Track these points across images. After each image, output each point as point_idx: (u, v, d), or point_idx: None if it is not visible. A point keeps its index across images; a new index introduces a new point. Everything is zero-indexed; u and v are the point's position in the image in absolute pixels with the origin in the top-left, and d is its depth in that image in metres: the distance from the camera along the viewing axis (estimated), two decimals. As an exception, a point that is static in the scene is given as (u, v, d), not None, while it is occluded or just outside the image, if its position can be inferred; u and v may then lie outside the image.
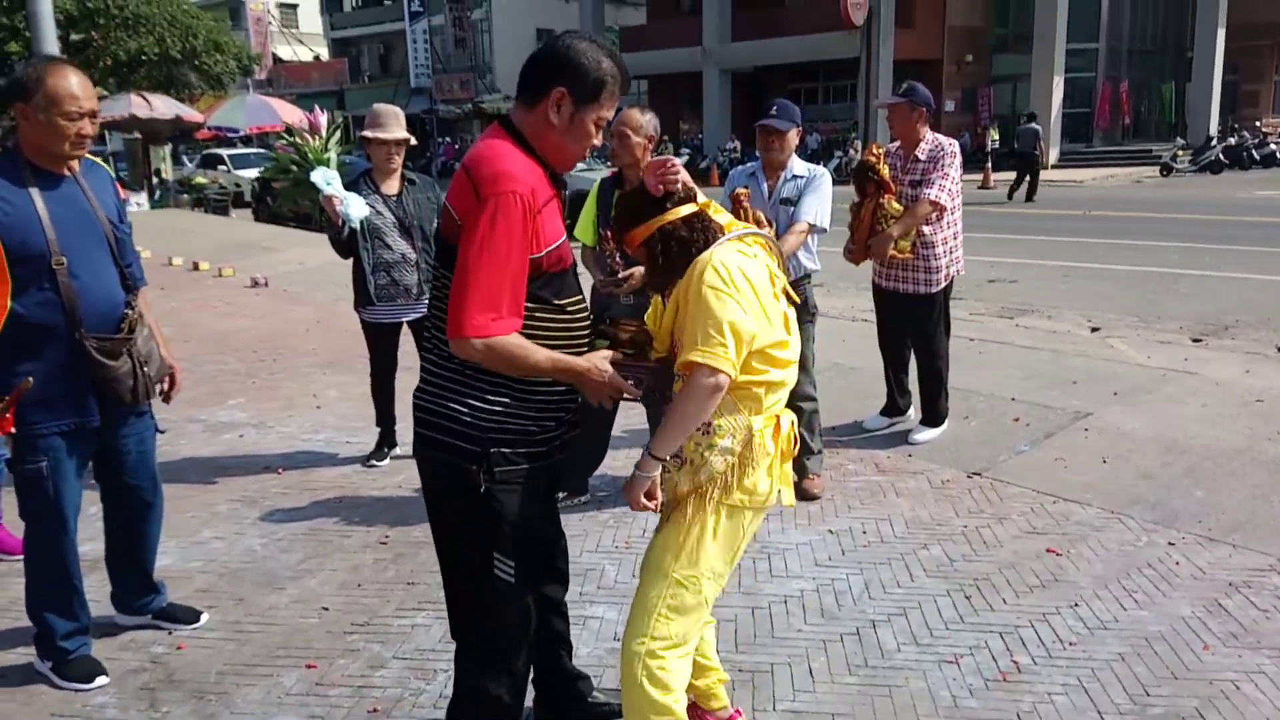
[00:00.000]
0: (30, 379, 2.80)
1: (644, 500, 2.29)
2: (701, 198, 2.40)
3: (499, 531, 2.27)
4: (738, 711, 2.80)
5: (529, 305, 2.19)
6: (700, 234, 2.31)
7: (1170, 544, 3.92)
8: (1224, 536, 3.96)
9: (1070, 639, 3.24)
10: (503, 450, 2.23)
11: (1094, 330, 8.06)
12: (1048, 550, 3.90)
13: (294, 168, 4.91)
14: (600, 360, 2.29)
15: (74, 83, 2.86)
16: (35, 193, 2.86)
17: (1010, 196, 20.23)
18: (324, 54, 50.96)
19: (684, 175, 2.36)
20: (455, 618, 2.45)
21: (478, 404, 2.21)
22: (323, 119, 4.91)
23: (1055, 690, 2.95)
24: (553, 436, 2.33)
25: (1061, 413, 5.55)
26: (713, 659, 2.71)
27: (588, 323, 2.38)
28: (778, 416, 2.39)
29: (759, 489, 2.33)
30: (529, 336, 2.18)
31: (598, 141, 2.29)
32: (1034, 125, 20.53)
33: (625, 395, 2.34)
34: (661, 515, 2.43)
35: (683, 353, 2.23)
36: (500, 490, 2.24)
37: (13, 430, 2.86)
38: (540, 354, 2.19)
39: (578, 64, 2.18)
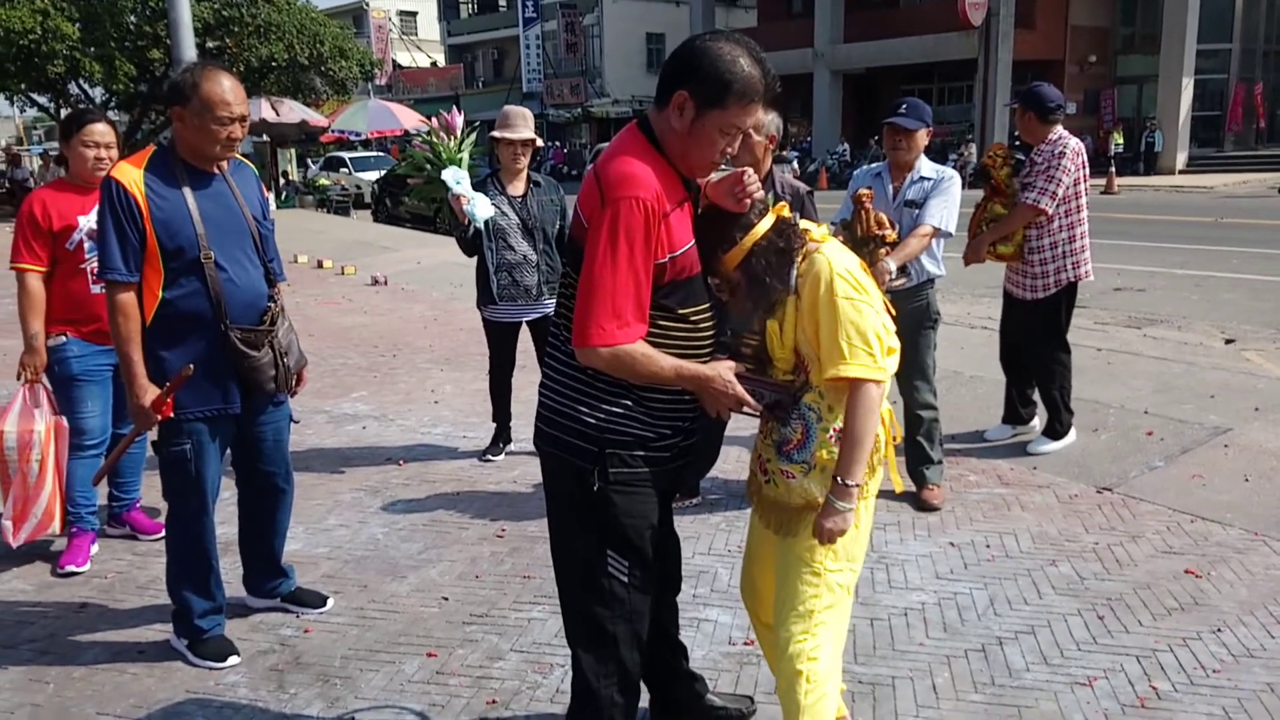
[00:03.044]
0: (191, 366, 2.93)
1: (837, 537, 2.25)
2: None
3: (613, 532, 2.26)
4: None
5: (652, 313, 2.16)
6: (793, 240, 2.26)
7: (1322, 570, 3.69)
8: (1383, 564, 3.71)
9: (1214, 666, 3.07)
10: (619, 453, 2.22)
11: (1229, 342, 7.66)
12: (1186, 571, 3.71)
13: (428, 166, 5.01)
14: (725, 370, 2.24)
15: (227, 88, 2.97)
16: (188, 191, 2.99)
17: None
18: (440, 60, 52.23)
19: (756, 184, 2.23)
20: (569, 619, 2.42)
21: (597, 407, 2.21)
22: (458, 120, 5.01)
23: (1198, 719, 2.80)
24: (670, 444, 2.31)
25: (1198, 428, 5.29)
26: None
27: (713, 333, 2.30)
28: (890, 408, 2.41)
29: (879, 479, 2.40)
30: (651, 344, 2.16)
31: (731, 150, 2.17)
32: None
33: (745, 409, 2.28)
34: (780, 525, 2.38)
35: (828, 367, 2.20)
36: (614, 491, 2.23)
37: (171, 415, 3.00)
38: (665, 361, 2.16)
39: (705, 65, 2.09)
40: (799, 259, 2.25)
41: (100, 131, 3.82)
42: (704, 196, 2.31)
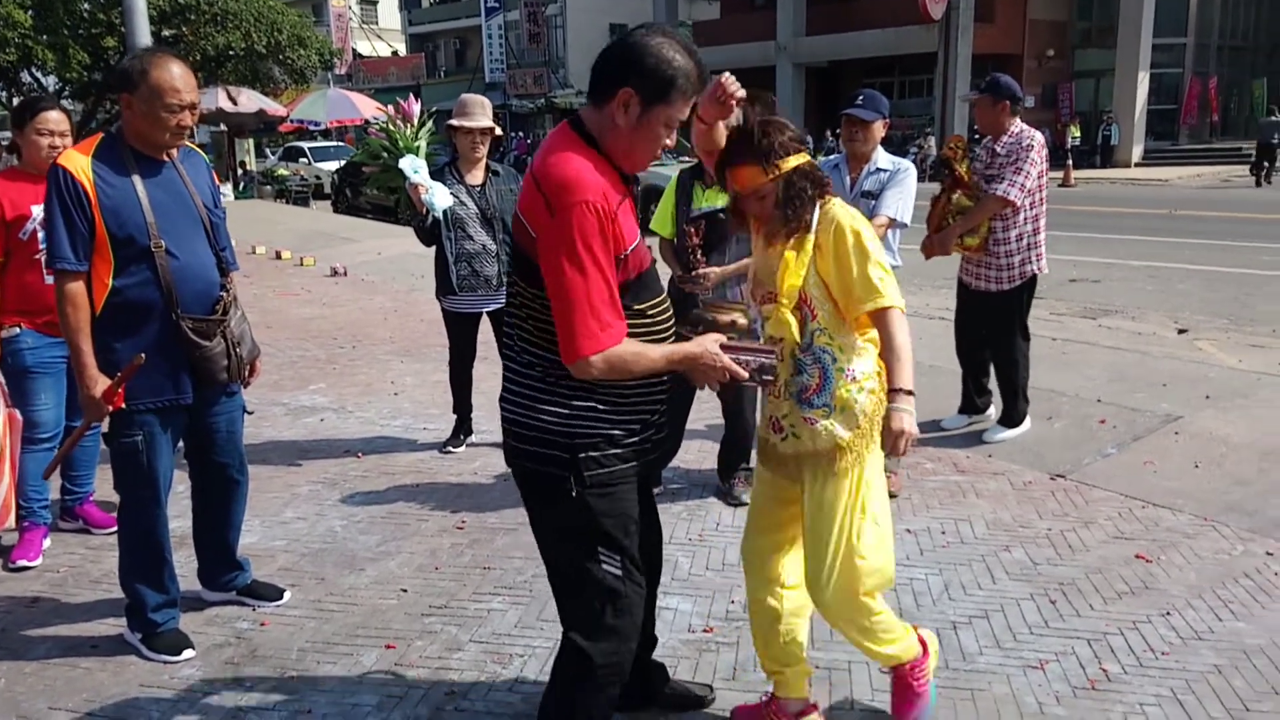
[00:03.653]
0: (143, 356, 2.89)
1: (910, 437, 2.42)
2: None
3: (598, 531, 2.25)
4: (814, 705, 2.77)
5: None
6: (819, 184, 2.49)
7: (1268, 554, 3.77)
8: (1326, 547, 3.80)
9: (1163, 648, 3.13)
10: (592, 454, 2.20)
11: (1181, 332, 7.80)
12: (1137, 556, 3.78)
13: (384, 154, 4.98)
14: (711, 344, 2.27)
15: (176, 75, 2.92)
16: (137, 179, 2.94)
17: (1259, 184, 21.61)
18: (401, 49, 51.75)
19: (736, 85, 2.37)
20: (569, 609, 2.37)
21: (564, 410, 2.18)
22: (416, 108, 4.97)
23: (1148, 701, 2.85)
24: (642, 437, 2.30)
25: (1150, 416, 5.38)
26: (804, 649, 2.72)
27: (670, 324, 2.33)
28: None
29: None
30: None
31: (670, 143, 2.20)
32: (1275, 118, 22.57)
33: (737, 379, 2.31)
34: (810, 474, 2.52)
35: (865, 301, 2.42)
36: (593, 495, 2.22)
37: (123, 405, 2.96)
38: (655, 352, 2.19)
39: (646, 61, 2.09)
40: (822, 201, 2.50)
41: (54, 119, 3.76)
42: (700, 121, 2.46)
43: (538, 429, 2.21)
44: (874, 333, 2.52)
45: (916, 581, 3.62)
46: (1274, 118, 22.95)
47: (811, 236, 2.48)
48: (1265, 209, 16.61)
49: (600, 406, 2.20)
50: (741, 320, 2.52)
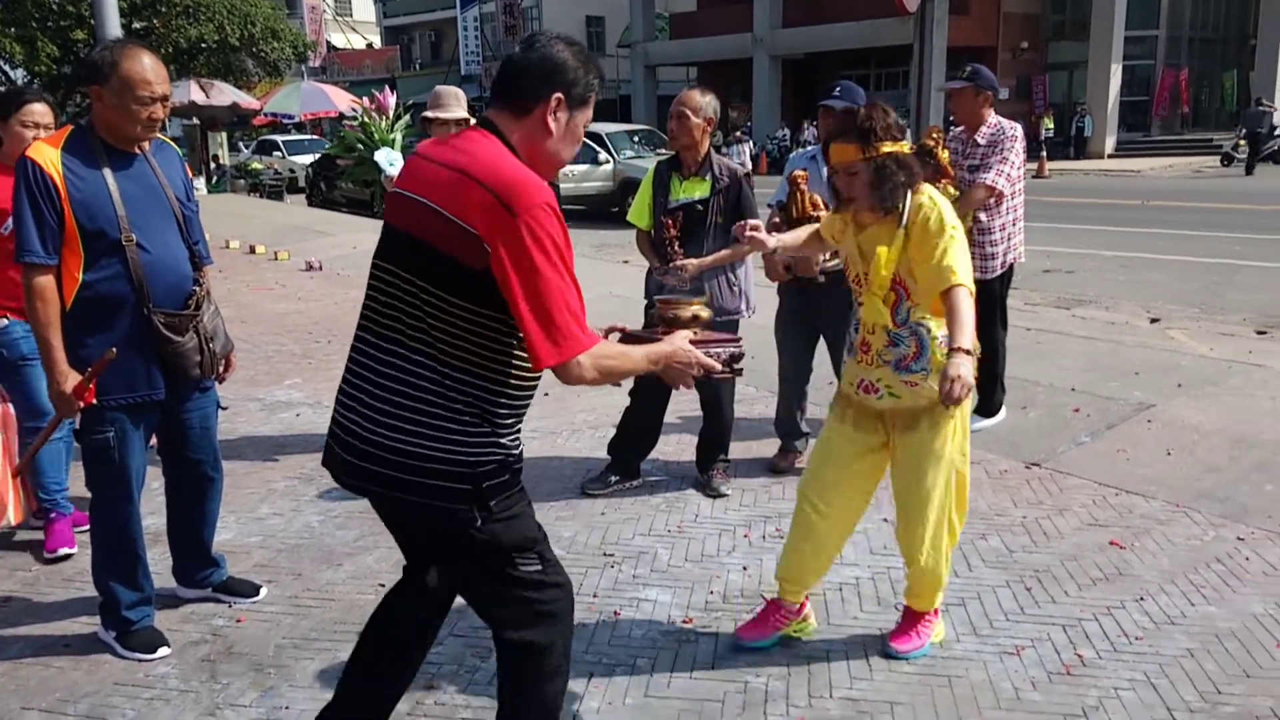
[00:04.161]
0: (114, 350, 2.85)
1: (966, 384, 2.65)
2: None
3: (508, 547, 2.15)
4: (805, 600, 3.18)
5: (508, 331, 2.05)
6: (911, 173, 2.79)
7: (1239, 539, 3.82)
8: (1296, 532, 3.85)
9: (1136, 634, 3.17)
10: (494, 483, 2.08)
11: (1154, 321, 7.88)
12: (1111, 543, 3.82)
13: (360, 147, 4.94)
14: (683, 342, 2.27)
15: (147, 66, 2.89)
16: (108, 171, 2.91)
17: (1248, 170, 22.38)
18: (376, 42, 51.40)
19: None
20: (492, 618, 2.27)
21: (466, 441, 2.04)
22: (390, 100, 4.94)
23: (1122, 685, 2.88)
24: (520, 453, 2.20)
25: (1123, 404, 5.43)
26: (817, 580, 3.22)
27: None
28: None
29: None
30: (500, 361, 2.05)
31: (580, 143, 2.23)
32: (1261, 108, 23.50)
33: (711, 372, 2.31)
34: (906, 424, 2.92)
35: (949, 280, 2.73)
36: (498, 522, 2.11)
37: (94, 401, 2.92)
38: (636, 353, 2.19)
39: (570, 67, 2.09)
40: (914, 190, 2.79)
41: (39, 111, 3.71)
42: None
43: (438, 461, 2.03)
44: None
45: (894, 570, 3.64)
46: (1261, 108, 23.50)
47: (901, 230, 2.79)
48: (1236, 199, 16.79)
49: (498, 433, 2.08)
50: (704, 313, 2.52)
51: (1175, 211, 15.28)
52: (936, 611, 3.14)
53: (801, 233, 3.39)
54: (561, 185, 16.94)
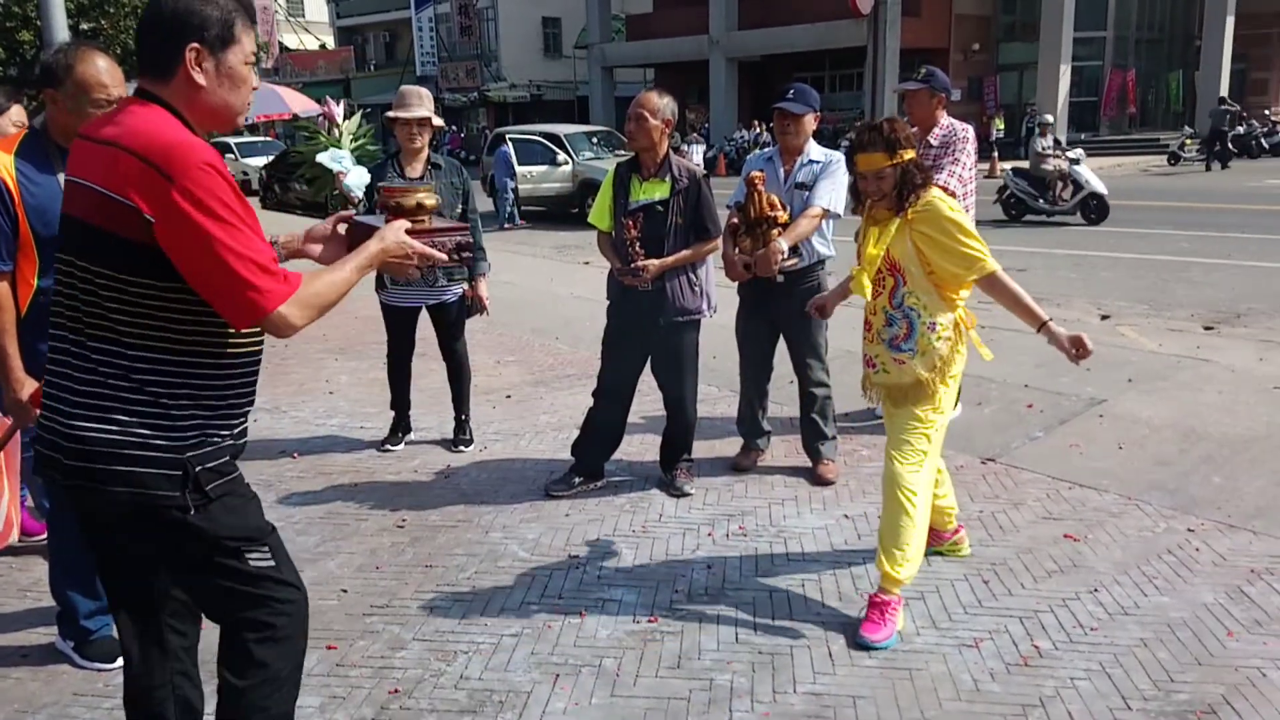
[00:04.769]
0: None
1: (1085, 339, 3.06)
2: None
3: (233, 538, 2.02)
4: (960, 525, 3.72)
5: (190, 300, 1.91)
6: (926, 176, 3.21)
7: (1189, 530, 3.91)
8: (1244, 523, 3.95)
9: (1091, 624, 3.24)
10: (205, 467, 1.96)
11: (1104, 318, 8.04)
12: (1065, 536, 3.90)
13: (311, 156, 4.94)
14: (395, 233, 2.14)
15: (102, 69, 2.85)
16: (62, 176, 2.85)
17: (1208, 168, 23.19)
18: (330, 42, 50.87)
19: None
20: (222, 615, 2.12)
21: (165, 421, 1.92)
22: (338, 109, 4.90)
23: (1078, 675, 2.95)
24: (241, 433, 2.10)
25: (1075, 399, 5.54)
26: (950, 497, 3.68)
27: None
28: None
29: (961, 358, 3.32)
30: (189, 330, 1.93)
31: (256, 83, 2.08)
32: (1224, 107, 24.15)
33: (436, 262, 2.23)
34: (894, 399, 3.33)
35: (975, 270, 3.11)
36: (215, 507, 1.98)
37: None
38: (344, 268, 2.05)
39: (194, 12, 1.92)
40: (922, 192, 3.16)
41: (15, 114, 3.64)
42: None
43: (135, 447, 1.90)
44: (962, 294, 3.23)
45: (855, 566, 3.69)
46: (1223, 106, 24.17)
47: (897, 220, 3.17)
48: (1185, 198, 17.17)
49: (205, 411, 1.97)
50: (429, 201, 2.34)
51: (1125, 210, 15.55)
52: (958, 530, 3.69)
53: (840, 289, 3.74)
54: (521, 186, 16.98)
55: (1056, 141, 15.58)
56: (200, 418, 1.96)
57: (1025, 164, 15.44)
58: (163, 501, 1.93)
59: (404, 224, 2.19)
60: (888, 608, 3.21)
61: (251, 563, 2.05)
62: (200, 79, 1.94)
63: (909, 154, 3.15)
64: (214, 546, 2.01)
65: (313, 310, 1.95)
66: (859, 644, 3.14)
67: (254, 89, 2.06)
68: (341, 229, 2.38)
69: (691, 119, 33.84)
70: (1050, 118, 16.87)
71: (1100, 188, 13.96)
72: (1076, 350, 3.05)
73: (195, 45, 1.92)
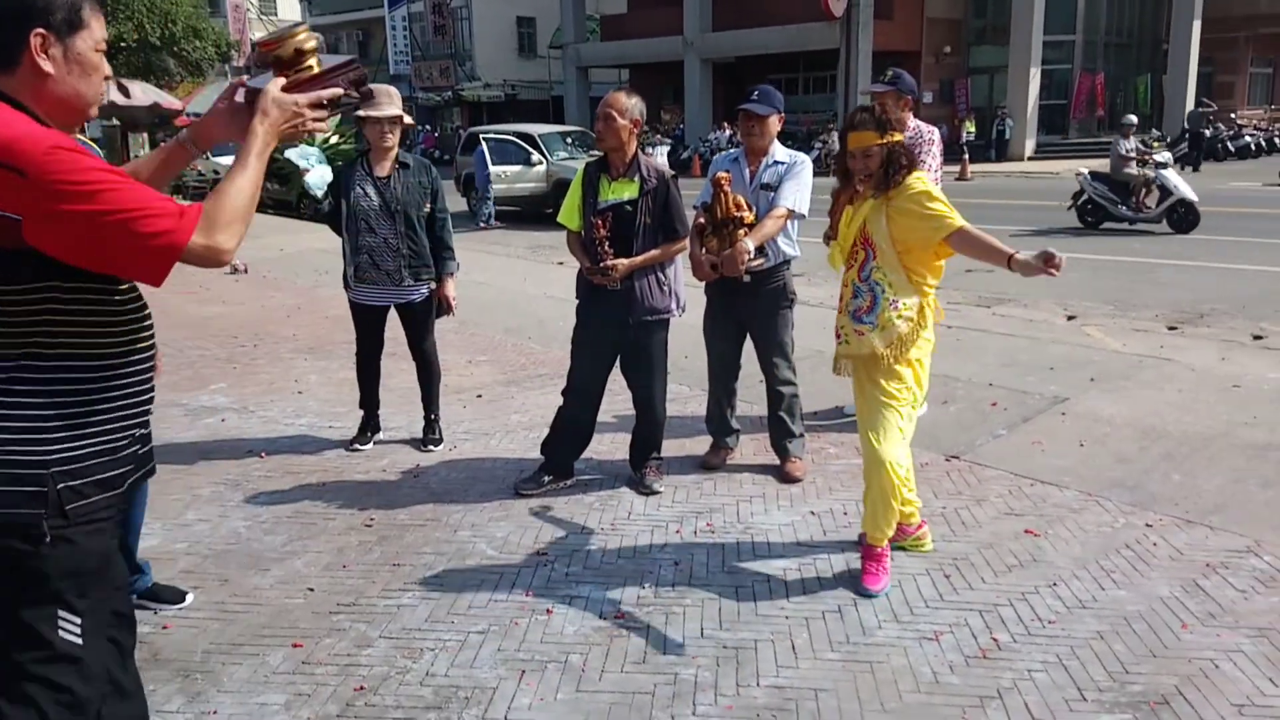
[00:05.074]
0: None
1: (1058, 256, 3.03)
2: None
3: (67, 585, 1.83)
4: (924, 521, 3.79)
5: (83, 286, 1.82)
6: (911, 159, 3.42)
7: (1148, 525, 3.98)
8: (1201, 519, 4.03)
9: (1049, 617, 3.29)
10: (70, 485, 1.81)
11: (1070, 318, 8.15)
12: (1026, 531, 3.96)
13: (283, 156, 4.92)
14: (275, 97, 1.99)
15: None
16: None
17: (1196, 169, 23.04)
18: (302, 41, 50.49)
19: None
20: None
21: (25, 425, 1.78)
22: None
23: (1035, 667, 3.00)
24: (127, 458, 1.94)
25: (1039, 398, 5.62)
26: (914, 493, 3.68)
27: (146, 307, 2.02)
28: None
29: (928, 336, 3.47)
30: (82, 324, 1.83)
31: (107, 71, 1.94)
32: (1201, 109, 24.54)
33: (334, 101, 2.08)
34: (857, 371, 3.53)
35: (946, 230, 3.28)
36: (75, 533, 1.82)
37: None
38: (241, 172, 1.91)
39: None
40: (906, 175, 3.36)
41: None
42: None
43: (4, 457, 1.76)
44: (929, 285, 3.40)
45: (820, 561, 3.73)
46: (1202, 109, 24.73)
47: (877, 201, 3.38)
48: (1149, 200, 17.34)
49: (75, 418, 1.83)
50: (309, 43, 2.14)
51: (1092, 212, 15.76)
52: (920, 526, 3.79)
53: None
54: (495, 186, 16.95)
55: (1143, 143, 14.33)
56: (71, 428, 1.83)
57: (1103, 166, 14.14)
58: (17, 522, 1.78)
59: (279, 82, 2.02)
60: (882, 558, 3.51)
61: (61, 630, 1.84)
62: (47, 67, 1.81)
63: (897, 137, 3.37)
64: (41, 590, 1.83)
65: (233, 223, 1.84)
66: (862, 593, 3.43)
67: (106, 78, 1.93)
68: (240, 97, 2.13)
69: (666, 120, 33.94)
70: (1133, 118, 14.65)
71: (1190, 194, 12.89)
72: (1048, 263, 3.03)
73: (41, 31, 1.79)
